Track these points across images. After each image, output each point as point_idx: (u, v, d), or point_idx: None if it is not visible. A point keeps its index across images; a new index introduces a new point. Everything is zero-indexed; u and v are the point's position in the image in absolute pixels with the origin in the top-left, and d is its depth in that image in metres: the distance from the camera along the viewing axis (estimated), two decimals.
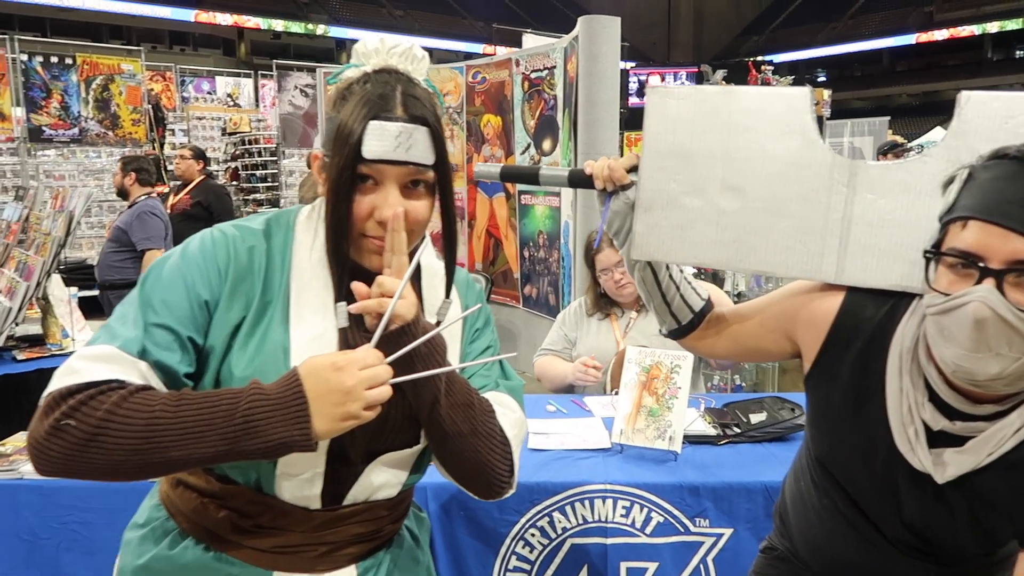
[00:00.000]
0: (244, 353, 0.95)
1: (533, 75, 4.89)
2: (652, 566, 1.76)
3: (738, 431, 1.99)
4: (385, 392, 0.90)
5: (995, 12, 21.57)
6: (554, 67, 4.68)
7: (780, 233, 1.13)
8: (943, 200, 0.95)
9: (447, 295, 1.09)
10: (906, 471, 1.00)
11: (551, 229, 4.85)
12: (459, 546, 1.79)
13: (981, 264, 0.86)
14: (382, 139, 0.93)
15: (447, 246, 1.08)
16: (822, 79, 23.30)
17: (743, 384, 3.65)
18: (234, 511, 0.99)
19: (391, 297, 0.92)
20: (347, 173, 0.94)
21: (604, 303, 2.58)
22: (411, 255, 1.10)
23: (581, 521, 1.77)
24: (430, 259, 1.11)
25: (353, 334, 0.97)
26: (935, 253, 0.92)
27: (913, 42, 23.04)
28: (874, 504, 1.07)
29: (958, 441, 0.96)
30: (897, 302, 1.05)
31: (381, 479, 1.04)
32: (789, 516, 1.25)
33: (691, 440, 1.96)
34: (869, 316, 1.07)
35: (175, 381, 0.91)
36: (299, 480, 0.98)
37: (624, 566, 1.77)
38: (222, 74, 12.93)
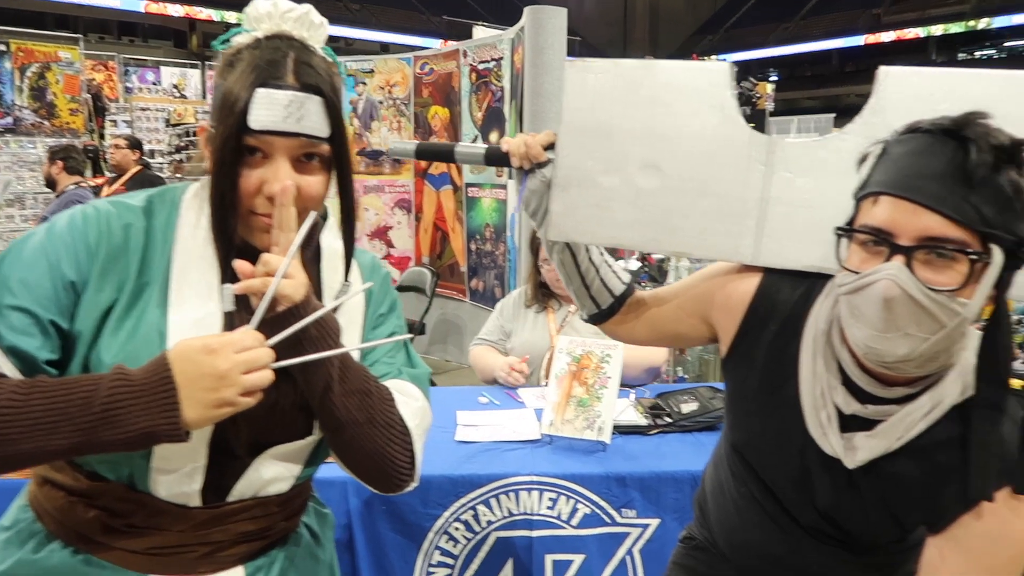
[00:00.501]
0: (116, 338, 0.87)
1: (481, 66, 4.83)
2: (578, 558, 1.72)
3: (669, 421, 1.96)
4: (265, 377, 0.83)
5: (939, 15, 22.17)
6: (501, 58, 4.62)
7: (698, 213, 1.09)
8: (858, 177, 0.92)
9: (346, 278, 1.02)
10: (819, 457, 0.97)
11: (498, 222, 4.80)
12: (381, 542, 1.73)
13: (891, 241, 0.83)
14: (270, 108, 0.86)
15: (345, 226, 1.01)
16: (774, 79, 23.67)
17: (686, 376, 3.64)
18: (104, 510, 0.91)
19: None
20: (231, 144, 0.87)
21: (543, 294, 2.54)
22: (309, 235, 1.03)
23: (506, 514, 1.72)
24: (334, 241, 1.05)
25: (242, 319, 0.90)
26: (846, 230, 0.88)
27: (862, 43, 23.54)
28: (789, 491, 1.04)
29: (870, 425, 0.93)
30: (813, 284, 1.02)
31: (271, 473, 0.97)
32: (708, 506, 1.22)
33: (621, 431, 1.92)
34: (785, 298, 1.03)
35: (33, 368, 0.83)
36: (177, 475, 0.90)
37: (549, 559, 1.72)
38: (167, 64, 12.57)
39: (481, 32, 5.48)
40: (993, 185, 0.80)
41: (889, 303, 0.81)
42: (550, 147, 1.15)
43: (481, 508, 1.73)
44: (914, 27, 22.26)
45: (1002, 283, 0.83)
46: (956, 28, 21.54)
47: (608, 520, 1.74)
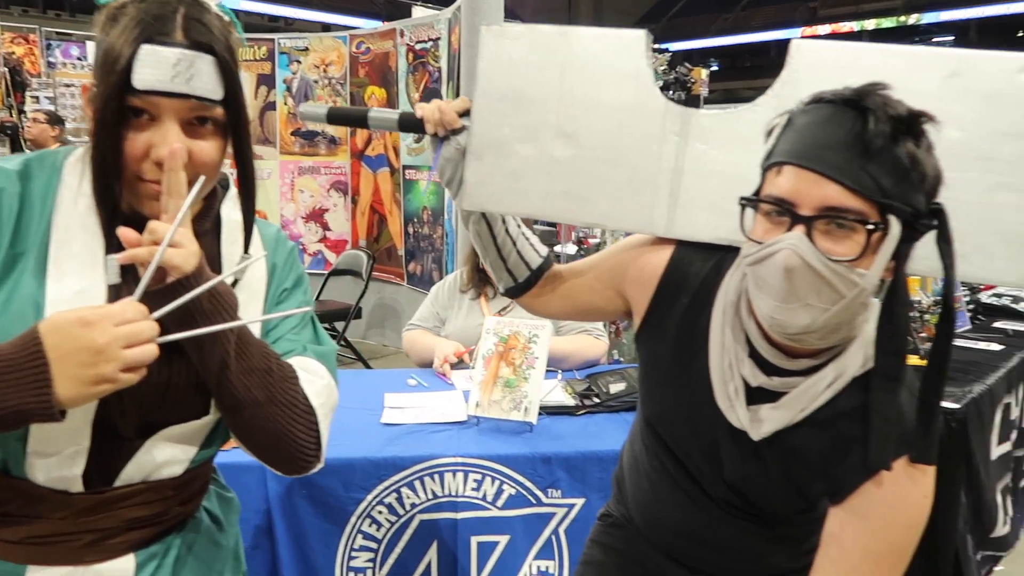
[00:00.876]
0: None
1: (418, 46, 4.75)
2: (503, 539, 1.71)
3: (597, 401, 1.96)
4: (148, 352, 0.77)
5: (872, 10, 22.79)
6: (439, 39, 4.55)
7: (612, 183, 1.07)
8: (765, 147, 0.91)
9: (246, 250, 0.97)
10: (727, 429, 0.97)
11: (435, 205, 4.74)
12: (302, 527, 1.68)
13: (793, 211, 0.82)
14: (156, 67, 0.81)
15: (244, 195, 0.96)
16: (715, 68, 24.04)
17: (621, 359, 3.66)
18: None
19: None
20: (113, 104, 0.81)
21: (480, 279, 2.48)
22: (208, 205, 0.98)
23: (431, 496, 1.70)
24: (234, 212, 0.99)
25: (128, 291, 0.84)
26: (750, 200, 0.87)
27: (799, 36, 24.04)
28: (700, 464, 1.04)
29: (775, 397, 0.93)
30: (724, 256, 1.01)
31: (164, 455, 0.91)
32: (625, 482, 1.21)
33: (549, 411, 1.91)
34: (696, 271, 1.02)
35: None
36: (57, 459, 0.84)
37: (475, 540, 1.71)
38: (94, 39, 12.03)
39: (420, 12, 5.39)
40: (891, 156, 0.79)
41: (790, 273, 0.81)
42: (466, 114, 1.12)
43: (405, 491, 1.70)
44: (848, 21, 22.84)
45: (900, 254, 0.83)
46: (888, 23, 22.18)
47: (533, 500, 1.72)
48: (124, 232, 0.81)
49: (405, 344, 2.54)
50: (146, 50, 0.80)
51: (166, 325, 0.80)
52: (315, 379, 0.97)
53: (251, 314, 0.96)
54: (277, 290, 1.01)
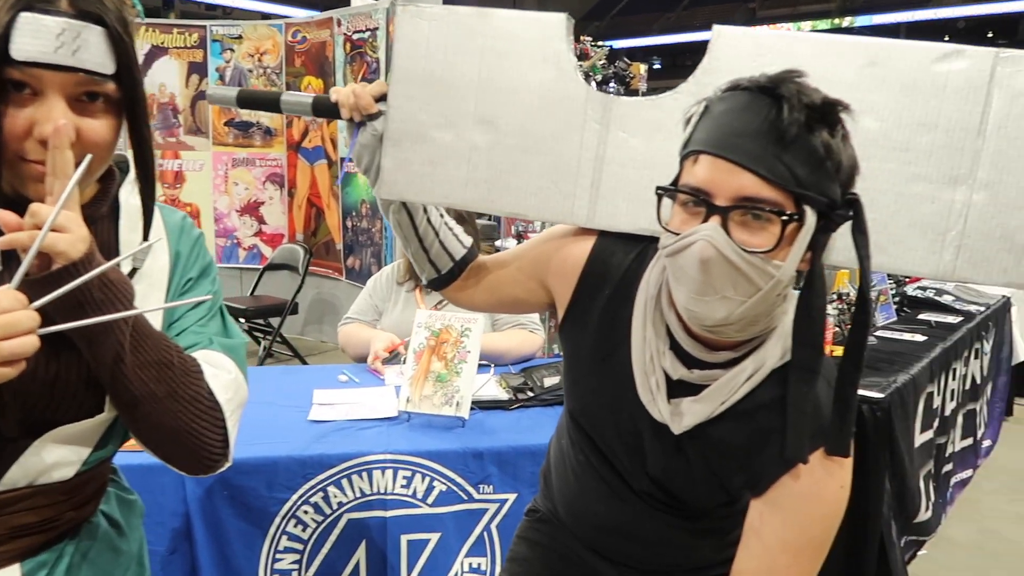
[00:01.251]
0: None
1: (355, 36, 4.66)
2: (434, 537, 1.68)
3: (531, 395, 1.94)
4: (26, 344, 0.72)
5: (808, 12, 23.40)
6: (376, 28, 4.47)
7: (533, 173, 1.05)
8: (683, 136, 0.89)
9: (146, 237, 0.91)
10: (649, 423, 0.95)
11: (374, 198, 4.66)
12: (223, 530, 1.62)
13: (709, 201, 0.80)
14: (37, 36, 0.74)
15: (142, 178, 0.90)
16: (657, 66, 24.36)
17: (561, 353, 3.66)
18: None
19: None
20: None
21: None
22: (104, 189, 0.92)
23: (359, 494, 1.65)
24: (133, 197, 0.93)
25: (11, 279, 0.78)
26: (666, 190, 0.85)
27: None
28: (623, 458, 1.02)
29: (696, 390, 0.92)
30: (647, 247, 1.00)
31: (54, 457, 0.85)
32: (551, 476, 1.19)
33: (482, 406, 1.88)
34: (618, 262, 1.01)
35: None
36: None
37: (405, 539, 1.67)
38: None
39: (358, 1, 5.29)
40: (806, 145, 0.78)
41: (706, 264, 0.79)
42: (382, 98, 1.08)
43: (332, 489, 1.65)
44: (786, 22, 23.38)
45: (816, 246, 0.82)
46: (823, 25, 22.80)
47: (465, 497, 1.69)
48: (2, 215, 0.75)
49: (341, 339, 2.47)
50: (26, 18, 0.74)
51: (52, 316, 0.74)
52: (221, 373, 0.92)
53: (152, 305, 0.90)
54: (181, 280, 0.96)
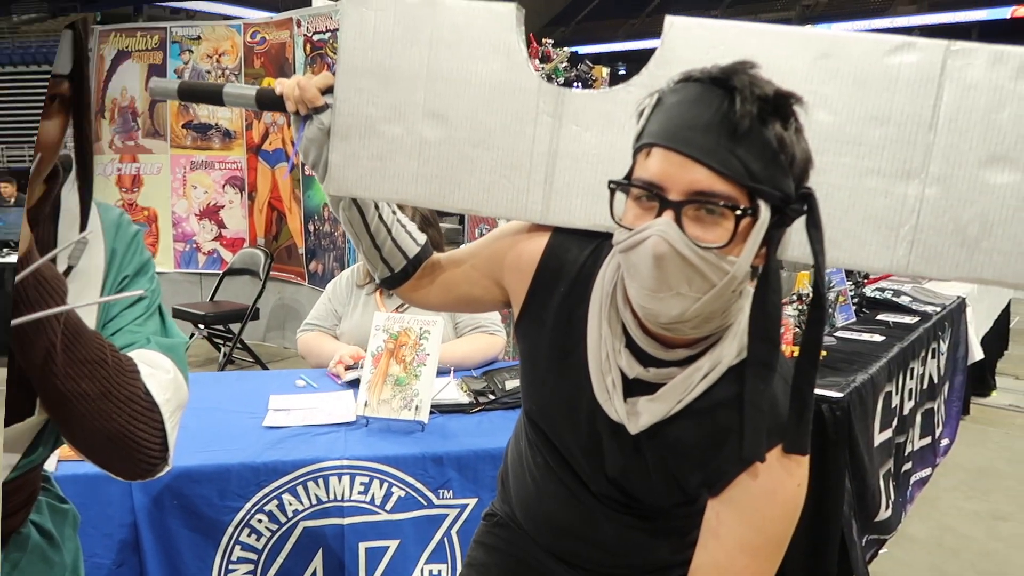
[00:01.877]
0: None
1: (316, 37, 4.60)
2: (393, 544, 1.64)
3: (492, 398, 1.91)
4: None
5: (769, 20, 23.82)
6: (337, 29, 4.41)
7: (485, 167, 1.02)
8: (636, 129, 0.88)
9: (81, 231, 0.88)
10: (606, 423, 0.93)
11: None
12: (173, 542, 1.57)
13: (662, 196, 0.78)
14: None
15: (80, 175, 0.87)
16: (622, 72, 24.58)
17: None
18: None
19: None
20: None
21: None
22: (49, 189, 0.88)
23: (315, 502, 1.61)
24: (74, 195, 0.89)
25: None
26: (619, 184, 0.83)
27: None
28: (580, 459, 1.00)
29: (653, 389, 0.90)
30: (602, 244, 0.97)
31: None
32: (509, 479, 1.17)
33: (442, 410, 1.85)
34: (573, 259, 0.98)
35: None
36: None
37: (363, 546, 1.63)
38: None
39: (319, 2, 5.23)
40: (759, 138, 0.76)
41: (659, 261, 0.77)
42: (329, 91, 1.04)
43: (287, 497, 1.60)
44: None
45: (770, 241, 0.80)
46: None
47: (424, 503, 1.66)
48: None
49: (300, 348, 2.41)
50: None
51: None
52: (159, 373, 0.88)
53: (86, 301, 0.86)
54: (117, 278, 0.92)
